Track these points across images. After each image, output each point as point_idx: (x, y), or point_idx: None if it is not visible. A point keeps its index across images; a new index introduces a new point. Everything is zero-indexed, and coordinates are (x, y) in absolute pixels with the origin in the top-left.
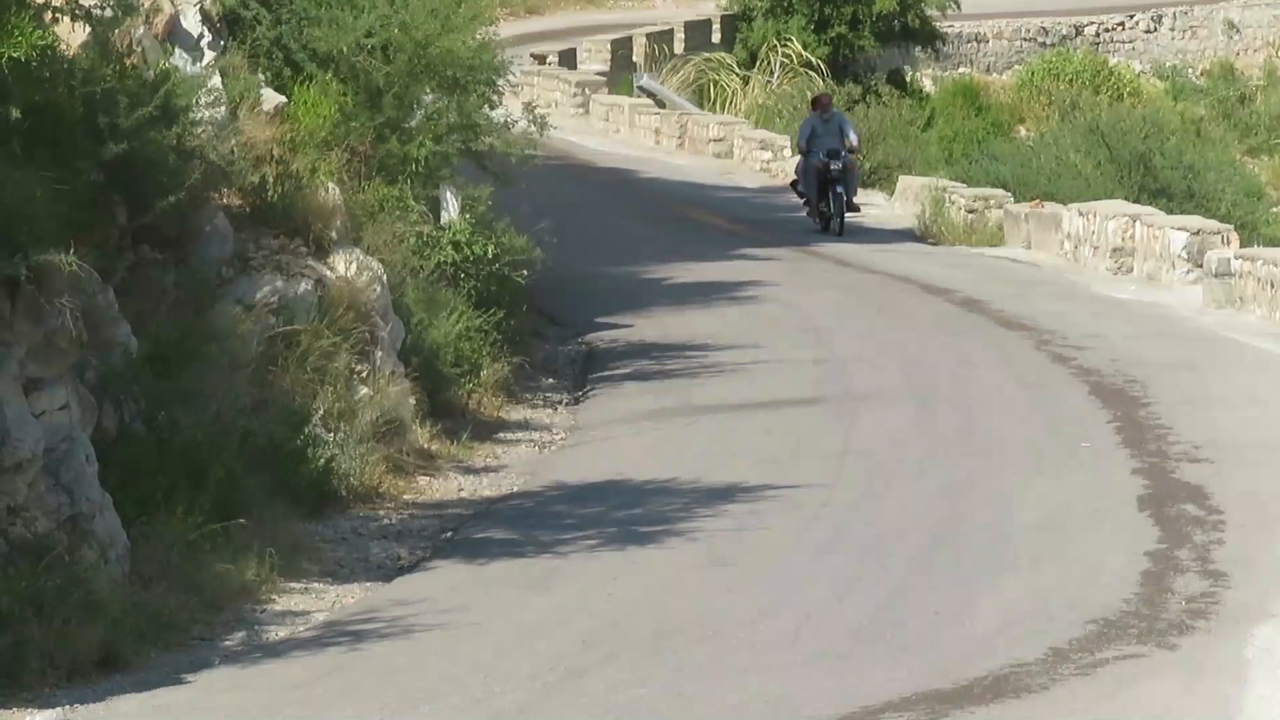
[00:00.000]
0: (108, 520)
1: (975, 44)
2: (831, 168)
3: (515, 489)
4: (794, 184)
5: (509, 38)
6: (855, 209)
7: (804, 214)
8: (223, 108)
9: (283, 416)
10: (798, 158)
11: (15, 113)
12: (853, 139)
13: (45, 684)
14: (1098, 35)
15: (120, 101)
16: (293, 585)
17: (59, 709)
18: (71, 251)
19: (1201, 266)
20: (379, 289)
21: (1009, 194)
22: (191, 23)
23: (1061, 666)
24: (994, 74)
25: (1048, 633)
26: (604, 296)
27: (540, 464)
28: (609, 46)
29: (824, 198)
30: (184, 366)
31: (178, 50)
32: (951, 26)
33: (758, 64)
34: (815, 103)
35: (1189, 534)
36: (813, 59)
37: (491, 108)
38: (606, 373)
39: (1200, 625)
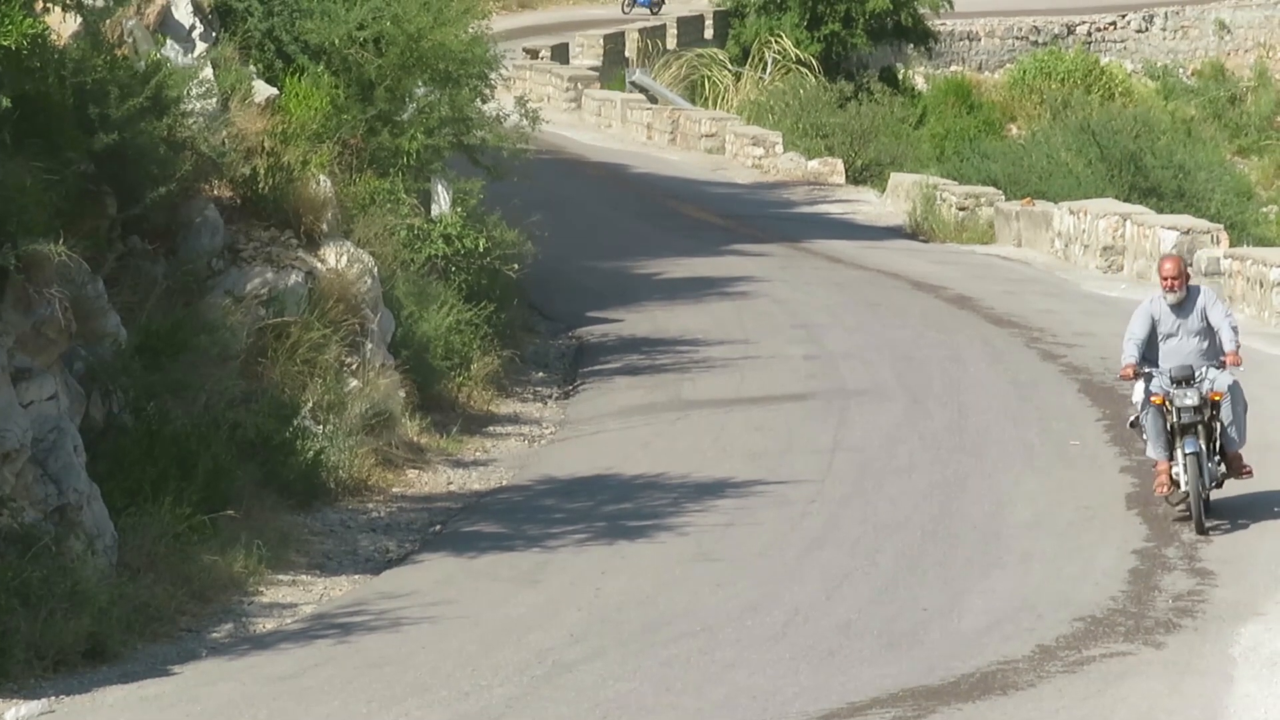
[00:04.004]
0: (95, 511)
1: (967, 42)
2: (1180, 404)
3: (504, 483)
4: (1133, 422)
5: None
6: (1240, 472)
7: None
8: (214, 99)
9: (272, 408)
10: (1127, 365)
11: (5, 102)
12: (1229, 336)
13: (31, 675)
14: (1089, 34)
15: (111, 92)
16: (281, 577)
17: (45, 700)
18: (61, 242)
19: (1191, 265)
20: (369, 281)
21: (1000, 192)
22: (183, 14)
23: (1049, 664)
24: (986, 72)
25: (1036, 630)
26: (595, 291)
27: (530, 458)
28: (601, 41)
29: (1195, 466)
30: (173, 358)
31: (169, 41)
32: (944, 25)
33: (750, 60)
34: (1164, 273)
35: (1176, 532)
36: (805, 56)
37: (484, 102)
38: (597, 367)
39: (1187, 624)
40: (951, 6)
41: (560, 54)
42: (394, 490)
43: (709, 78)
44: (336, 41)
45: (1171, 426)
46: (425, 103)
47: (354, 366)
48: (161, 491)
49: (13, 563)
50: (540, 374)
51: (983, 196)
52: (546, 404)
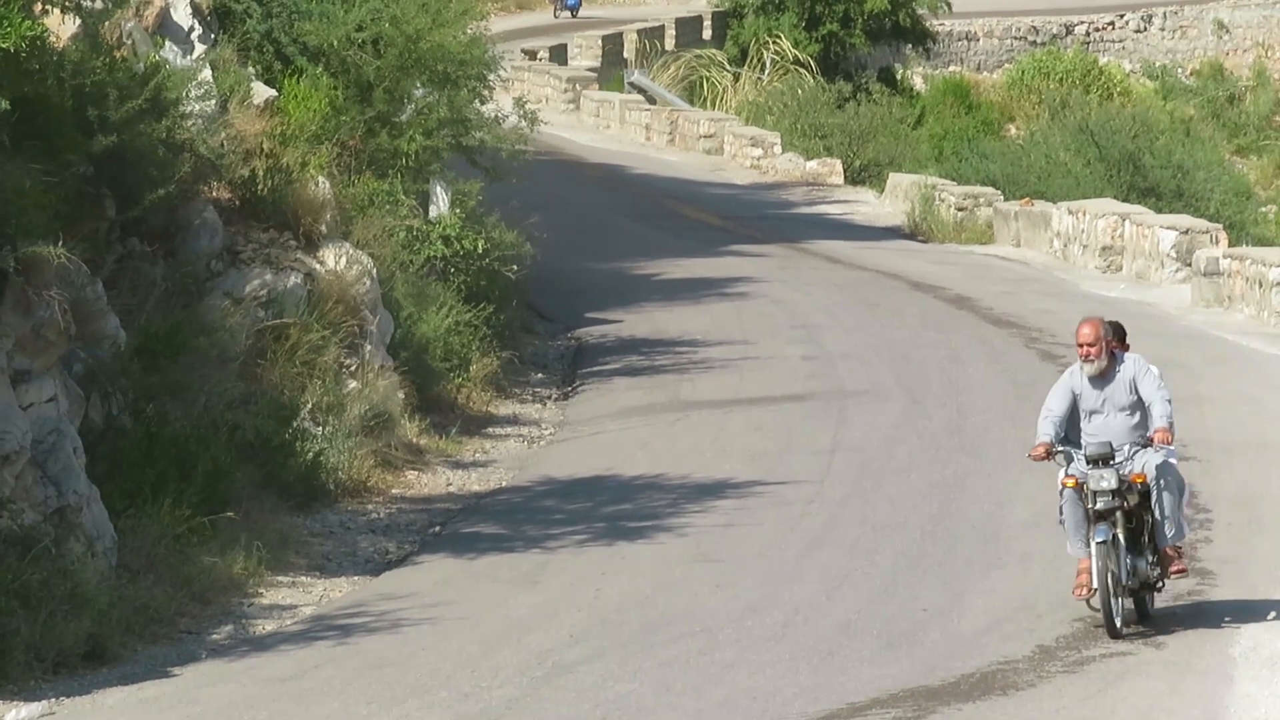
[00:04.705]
0: (95, 513)
1: (966, 42)
2: (1095, 487)
3: (504, 484)
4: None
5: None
6: (1171, 571)
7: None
8: (213, 101)
9: (271, 410)
10: (1038, 444)
11: (4, 104)
12: (1161, 410)
13: (31, 677)
14: (1088, 34)
15: (110, 94)
16: (280, 579)
17: (45, 701)
18: (60, 244)
19: (1190, 265)
20: (368, 283)
21: (999, 192)
22: (182, 16)
23: (1049, 664)
24: (984, 72)
25: (1035, 630)
26: (594, 292)
27: (529, 459)
28: (600, 42)
29: (1106, 557)
30: (172, 359)
31: (168, 43)
32: (942, 25)
33: (748, 61)
34: (1080, 339)
35: None
36: (803, 57)
37: (482, 103)
38: (596, 368)
39: (1187, 623)
40: (950, 7)
41: (558, 55)
42: (393, 492)
43: (707, 78)
44: (335, 43)
45: (1089, 515)
46: (424, 104)
47: (353, 368)
48: (161, 493)
49: (12, 565)
50: (539, 375)
51: (981, 197)
52: (546, 405)
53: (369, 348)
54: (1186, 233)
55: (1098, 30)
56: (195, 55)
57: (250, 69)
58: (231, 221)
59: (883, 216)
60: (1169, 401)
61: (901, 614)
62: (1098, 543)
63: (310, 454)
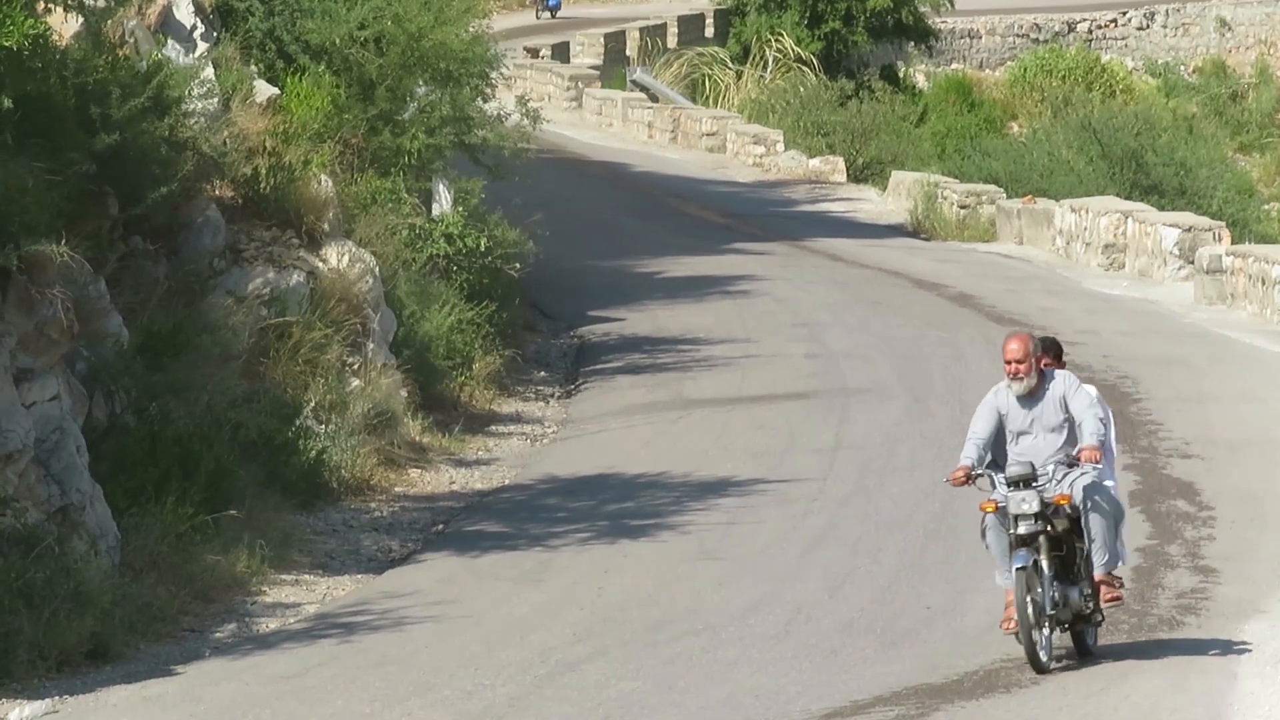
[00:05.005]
0: (98, 511)
1: (968, 40)
2: (1016, 511)
3: (507, 482)
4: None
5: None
6: (1104, 599)
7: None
8: (215, 99)
9: (274, 408)
10: (959, 468)
11: (7, 103)
12: (1091, 427)
13: (35, 675)
14: (1090, 32)
15: (112, 92)
16: (283, 577)
17: (48, 700)
18: (63, 242)
19: (1193, 263)
20: (371, 281)
21: (1001, 190)
22: (184, 14)
23: (1051, 662)
24: (987, 70)
25: None
26: (596, 290)
27: (532, 457)
28: (602, 40)
29: (1026, 585)
30: (175, 358)
31: (170, 41)
32: (945, 23)
33: (751, 59)
34: (1007, 355)
35: (1180, 530)
36: (805, 54)
37: (485, 101)
38: (598, 366)
39: (1190, 621)
40: (952, 5)
41: (561, 53)
42: (396, 490)
43: (710, 76)
44: (337, 41)
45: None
46: (426, 102)
47: (356, 366)
48: (164, 492)
49: (16, 563)
50: (542, 373)
51: (984, 194)
52: (548, 403)
53: (372, 346)
54: (1189, 230)
55: (1100, 28)
56: (198, 53)
57: (253, 67)
58: (234, 220)
59: (885, 214)
60: (1102, 420)
61: (904, 612)
62: (1016, 569)
63: (313, 452)
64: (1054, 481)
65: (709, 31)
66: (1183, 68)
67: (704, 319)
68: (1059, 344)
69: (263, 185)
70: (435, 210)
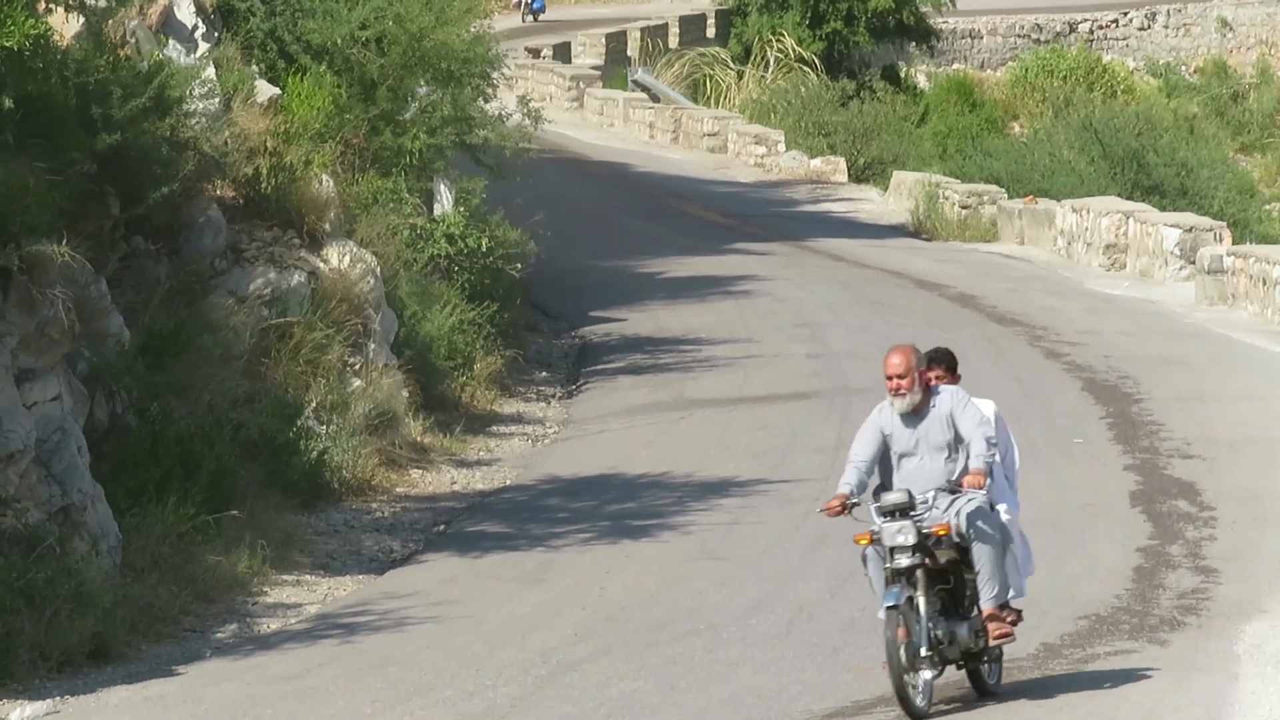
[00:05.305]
0: (99, 512)
1: (969, 40)
2: (890, 543)
3: (508, 482)
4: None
5: (503, 31)
6: (994, 635)
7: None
8: (216, 99)
9: (275, 408)
10: (835, 496)
11: (8, 103)
12: (978, 448)
13: (36, 675)
14: (1091, 32)
15: (114, 92)
16: (285, 577)
17: (50, 700)
18: (64, 242)
19: (1194, 263)
20: (372, 281)
21: (1002, 190)
22: (185, 14)
23: (1053, 661)
24: (988, 70)
25: (1040, 628)
26: (598, 290)
27: (533, 457)
28: (603, 40)
29: (897, 624)
30: (176, 358)
31: (171, 41)
32: (946, 23)
33: (752, 59)
34: (888, 370)
35: (1181, 530)
36: (807, 55)
37: (486, 101)
38: (600, 366)
39: (1191, 621)
40: (954, 5)
41: (562, 53)
42: (398, 490)
43: (711, 76)
44: (339, 41)
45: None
46: (427, 102)
47: (357, 366)
48: (165, 492)
49: (17, 563)
50: (543, 373)
51: (985, 195)
52: (550, 403)
53: (373, 346)
54: (1190, 230)
55: (1101, 28)
56: (199, 53)
57: (254, 67)
58: (235, 220)
59: (886, 214)
60: (991, 441)
61: None
62: (887, 607)
63: (314, 452)
64: (934, 509)
65: (710, 32)
66: (1184, 68)
67: (705, 319)
68: (952, 355)
69: (264, 185)
70: (436, 210)
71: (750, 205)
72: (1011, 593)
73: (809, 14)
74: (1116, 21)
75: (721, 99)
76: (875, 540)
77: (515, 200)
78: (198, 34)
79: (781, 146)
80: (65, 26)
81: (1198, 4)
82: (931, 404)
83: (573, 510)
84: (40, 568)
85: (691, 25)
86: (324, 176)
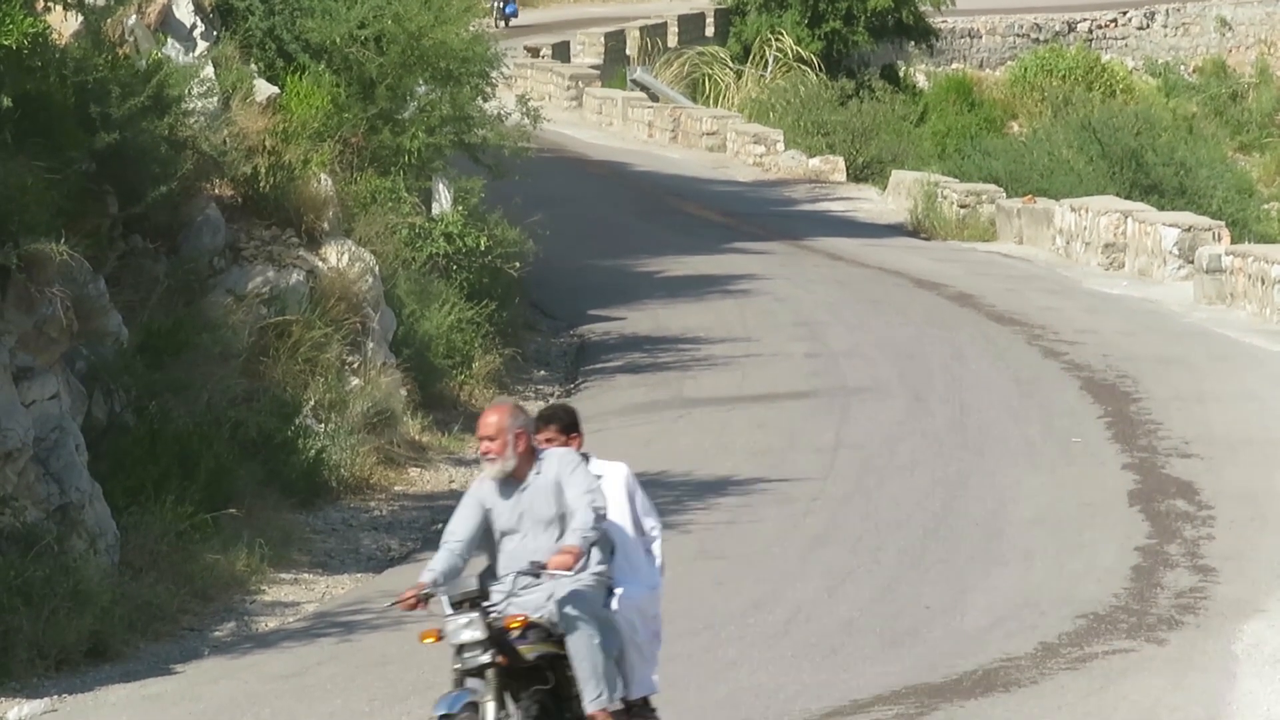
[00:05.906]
0: (97, 510)
1: (969, 40)
2: (455, 640)
3: None
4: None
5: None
6: None
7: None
8: (215, 98)
9: (274, 407)
10: (417, 584)
11: (7, 102)
12: (581, 519)
13: (34, 674)
14: (1090, 31)
15: (112, 91)
16: (283, 576)
17: (48, 699)
18: (63, 241)
19: (1193, 263)
20: (371, 280)
21: (1001, 189)
22: (184, 13)
23: (1051, 661)
24: (987, 70)
25: (1038, 627)
26: (596, 289)
27: None
28: (602, 40)
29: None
30: (175, 356)
31: (170, 40)
32: (945, 22)
33: (751, 58)
34: (480, 432)
35: (1179, 529)
36: (806, 54)
37: (485, 100)
38: (598, 365)
39: (1189, 620)
40: (953, 4)
41: (561, 52)
42: (396, 489)
43: (710, 76)
44: (337, 40)
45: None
46: (426, 101)
47: (355, 365)
48: (163, 490)
49: (15, 562)
50: (542, 372)
51: (984, 194)
52: (548, 402)
53: (371, 345)
54: (1189, 230)
55: (1100, 27)
56: (197, 52)
57: (252, 66)
58: (234, 219)
59: (885, 214)
60: (601, 512)
61: (904, 611)
62: (439, 717)
63: (313, 451)
64: (517, 596)
65: (709, 31)
66: (1183, 67)
67: (704, 318)
68: (571, 413)
69: (262, 184)
70: (435, 209)
71: (749, 204)
72: (637, 690)
73: (808, 13)
74: (1115, 21)
75: (720, 98)
76: (442, 637)
77: (514, 199)
78: (196, 33)
79: (780, 146)
80: (64, 25)
81: (1197, 3)
82: (535, 471)
83: None
84: (38, 566)
85: (690, 24)
86: (322, 175)
